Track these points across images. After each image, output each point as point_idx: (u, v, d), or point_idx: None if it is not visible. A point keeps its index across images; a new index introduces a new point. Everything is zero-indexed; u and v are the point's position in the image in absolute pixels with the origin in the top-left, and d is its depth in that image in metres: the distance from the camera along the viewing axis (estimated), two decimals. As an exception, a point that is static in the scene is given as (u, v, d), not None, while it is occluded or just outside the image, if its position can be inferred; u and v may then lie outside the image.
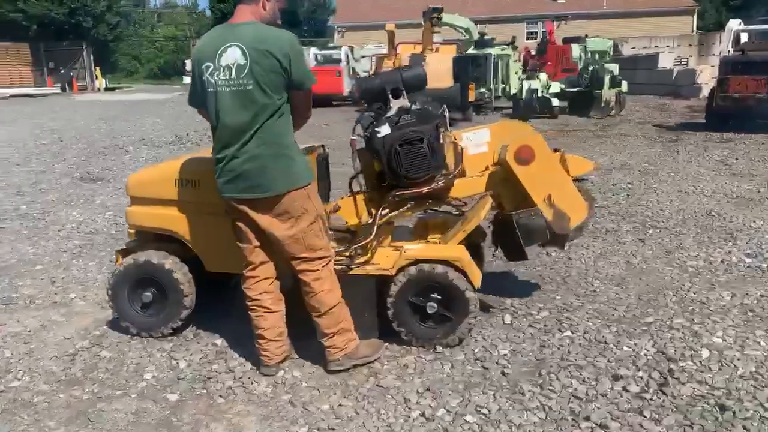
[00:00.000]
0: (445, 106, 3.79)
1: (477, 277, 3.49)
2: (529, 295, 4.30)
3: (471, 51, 17.98)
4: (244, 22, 3.07)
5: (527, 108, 15.69)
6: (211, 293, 4.00)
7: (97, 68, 32.15)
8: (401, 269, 3.50)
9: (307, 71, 3.11)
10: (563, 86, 17.18)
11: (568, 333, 3.69)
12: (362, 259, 3.58)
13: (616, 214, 6.32)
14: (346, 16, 43.00)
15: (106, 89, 32.32)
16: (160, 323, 3.77)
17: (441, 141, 3.58)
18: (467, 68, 14.96)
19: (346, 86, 21.24)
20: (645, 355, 3.40)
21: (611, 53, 17.27)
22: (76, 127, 15.60)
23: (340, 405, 3.02)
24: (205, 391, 3.20)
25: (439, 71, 13.97)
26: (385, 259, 3.60)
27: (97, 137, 13.45)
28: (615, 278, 4.57)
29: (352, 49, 23.42)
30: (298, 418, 2.93)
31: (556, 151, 3.87)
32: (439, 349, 3.52)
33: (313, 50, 23.14)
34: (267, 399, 3.11)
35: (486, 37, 18.96)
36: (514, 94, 16.96)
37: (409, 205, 3.72)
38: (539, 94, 15.87)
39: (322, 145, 4.14)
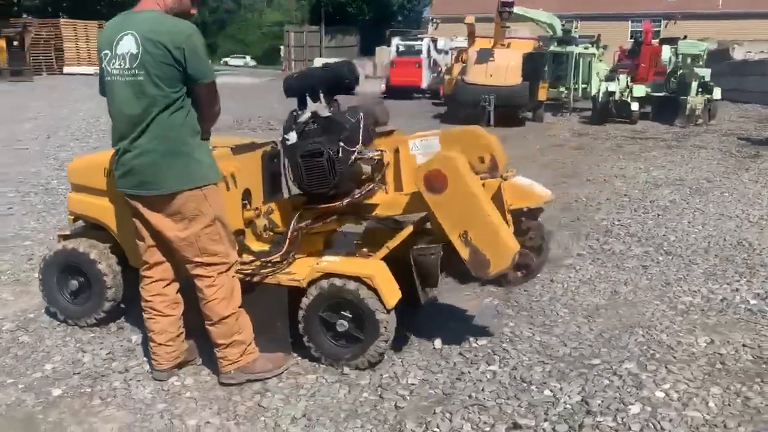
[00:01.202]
0: (361, 114, 3.45)
1: (391, 297, 3.20)
2: (478, 319, 3.95)
3: (553, 48, 17.24)
4: (144, 9, 2.93)
5: (603, 111, 14.86)
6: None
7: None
8: (313, 282, 3.27)
9: (205, 65, 2.92)
10: (649, 90, 16.13)
11: (495, 367, 3.34)
12: (277, 268, 3.39)
13: (633, 235, 5.77)
14: (443, 8, 42.42)
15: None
16: (86, 313, 3.73)
17: (347, 155, 3.30)
18: (538, 66, 14.31)
19: (425, 79, 20.92)
20: (565, 403, 3.01)
21: (704, 57, 15.98)
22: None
23: (207, 423, 2.85)
24: (90, 389, 3.12)
25: (506, 68, 13.44)
26: (300, 269, 3.38)
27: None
28: (588, 309, 4.13)
29: (435, 41, 23.03)
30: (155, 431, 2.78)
31: (502, 175, 3.36)
32: (347, 370, 3.27)
33: (395, 41, 22.91)
34: (141, 406, 2.98)
35: (573, 34, 18.15)
36: (594, 95, 16.11)
37: (330, 218, 3.49)
38: (617, 98, 14.95)
39: (274, 142, 3.96)
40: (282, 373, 3.25)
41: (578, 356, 3.47)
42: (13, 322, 3.82)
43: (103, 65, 2.96)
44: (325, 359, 3.32)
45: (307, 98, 3.42)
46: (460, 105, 14.04)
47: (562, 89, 16.93)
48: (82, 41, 30.05)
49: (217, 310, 3.06)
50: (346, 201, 3.40)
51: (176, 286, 3.18)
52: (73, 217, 3.88)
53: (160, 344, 3.15)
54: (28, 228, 5.76)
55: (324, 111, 3.37)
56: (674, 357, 3.48)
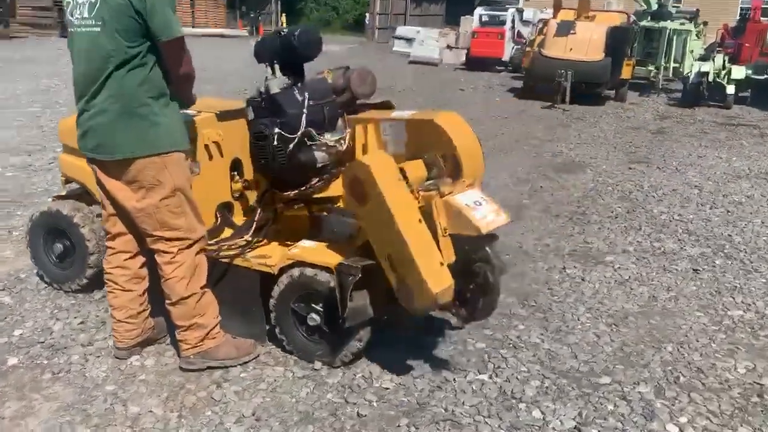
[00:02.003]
0: (307, 94, 2.97)
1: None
2: (489, 317, 3.53)
3: (645, 23, 16.03)
4: None
5: (693, 93, 13.68)
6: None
7: (283, 15, 33.45)
8: (284, 269, 2.95)
9: (171, 20, 2.61)
10: (750, 72, 14.74)
11: (485, 377, 2.94)
12: (251, 249, 3.10)
13: (691, 233, 5.13)
14: (539, -22, 40.66)
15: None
16: (69, 278, 3.59)
17: (284, 143, 2.92)
18: (624, 41, 13.23)
19: (507, 51, 20.04)
20: (553, 429, 2.58)
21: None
22: (225, 70, 16.17)
23: (150, 412, 2.62)
24: (47, 362, 2.95)
25: (587, 42, 12.54)
26: (276, 253, 3.08)
27: (230, 82, 13.79)
28: (614, 316, 3.63)
29: (521, 11, 21.96)
30: (91, 416, 2.57)
31: (440, 189, 2.71)
32: (318, 365, 2.96)
33: (478, 10, 21.97)
34: (90, 386, 2.78)
35: (671, 9, 16.81)
36: (686, 76, 14.89)
37: (296, 205, 3.16)
38: (710, 79, 13.71)
39: None
40: (249, 362, 2.97)
41: (586, 372, 3.02)
42: (2, 282, 3.72)
43: (66, 15, 2.72)
44: (297, 353, 3.02)
45: (267, 68, 3.06)
46: (535, 79, 13.27)
47: (651, 68, 15.72)
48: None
49: (177, 289, 2.81)
50: (293, 193, 3.05)
51: (140, 260, 2.95)
52: (64, 179, 3.73)
53: (119, 320, 2.94)
54: (39, 185, 5.70)
55: (275, 87, 2.97)
56: (702, 383, 2.97)
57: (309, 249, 2.99)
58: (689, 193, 6.36)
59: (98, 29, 2.57)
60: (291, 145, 2.91)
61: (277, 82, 2.99)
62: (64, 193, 3.73)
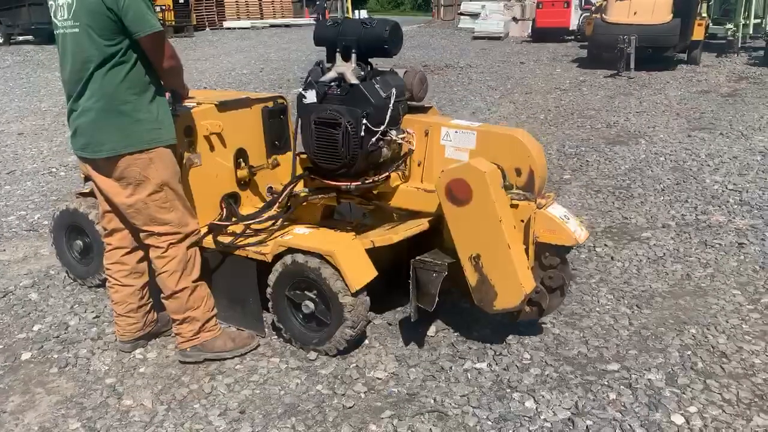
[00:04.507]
0: (394, 90, 2.94)
1: (357, 279, 2.77)
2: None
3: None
4: None
5: (775, 51, 12.73)
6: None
7: (348, 0, 33.50)
8: (278, 256, 2.93)
9: (146, 15, 2.59)
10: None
11: (483, 365, 2.82)
12: (249, 239, 3.09)
13: (744, 204, 4.75)
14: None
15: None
16: (90, 273, 3.71)
17: (367, 135, 2.87)
18: (693, 0, 12.43)
19: (574, 20, 19.26)
20: (544, 420, 2.44)
21: None
22: (289, 58, 16.35)
23: (141, 404, 2.66)
24: (56, 356, 3.05)
25: (653, 4, 11.86)
26: (271, 241, 3.06)
27: (294, 70, 13.90)
28: (639, 297, 3.40)
29: (589, -23, 21.02)
30: (86, 409, 2.64)
31: (537, 201, 2.78)
32: (313, 355, 2.93)
33: (544, -21, 21.20)
34: (91, 379, 2.86)
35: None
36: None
37: (330, 194, 3.13)
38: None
39: (279, 96, 3.62)
40: (245, 354, 2.98)
41: (594, 358, 2.84)
42: (32, 278, 3.89)
43: (52, 17, 2.77)
44: (294, 342, 3.00)
45: (337, 55, 2.99)
46: (598, 48, 12.69)
47: (729, 26, 14.73)
48: (242, -6, 31.21)
49: (168, 284, 2.84)
50: (354, 184, 3.00)
51: (138, 255, 2.99)
52: (84, 177, 3.84)
53: (120, 315, 3.00)
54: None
55: (352, 76, 2.91)
56: (723, 369, 2.74)
57: (300, 236, 2.96)
58: (750, 160, 5.90)
59: (77, 29, 2.60)
60: (372, 138, 2.89)
61: (353, 71, 2.94)
62: (87, 190, 3.85)
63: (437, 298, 2.76)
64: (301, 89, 3.08)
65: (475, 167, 2.65)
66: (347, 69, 2.96)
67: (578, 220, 2.90)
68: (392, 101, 2.94)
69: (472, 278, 2.76)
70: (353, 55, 2.98)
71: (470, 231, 2.71)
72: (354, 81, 2.92)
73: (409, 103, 3.17)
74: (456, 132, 3.04)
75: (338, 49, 3.01)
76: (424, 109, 3.28)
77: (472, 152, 2.97)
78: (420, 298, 2.83)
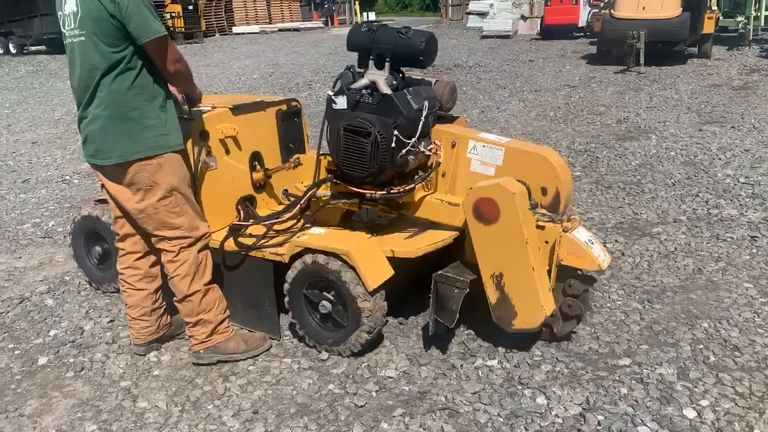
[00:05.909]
0: (426, 102, 2.94)
1: (374, 278, 2.78)
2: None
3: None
4: None
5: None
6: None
7: (357, 2, 33.59)
8: (295, 257, 2.95)
9: (148, 20, 2.62)
10: None
11: (494, 362, 2.83)
12: (265, 240, 3.11)
13: (756, 197, 4.72)
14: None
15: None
16: (107, 279, 3.75)
17: (397, 146, 2.85)
18: (702, -8, 12.34)
19: (583, 16, 19.20)
20: (556, 416, 2.45)
21: None
22: (299, 62, 16.44)
23: (156, 407, 2.69)
24: (72, 360, 3.10)
25: (663, -3, 11.80)
26: (287, 243, 3.08)
27: (304, 73, 13.97)
28: (651, 292, 3.39)
29: (597, -26, 20.94)
30: (102, 412, 2.67)
31: (563, 224, 2.76)
32: (325, 355, 2.95)
33: (551, -24, 21.14)
34: (107, 382, 2.89)
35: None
36: (780, 24, 13.75)
37: (353, 200, 3.13)
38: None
39: (293, 99, 3.65)
40: (258, 355, 3.01)
41: (605, 354, 2.84)
42: (48, 284, 3.95)
43: (60, 27, 2.82)
44: (309, 339, 3.02)
45: (371, 61, 2.99)
46: (606, 43, 12.64)
47: (740, 18, 14.62)
48: (250, 1, 31.38)
49: (180, 287, 2.87)
50: (378, 194, 2.99)
51: (150, 259, 3.02)
52: (101, 184, 3.88)
53: (134, 318, 3.04)
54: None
55: (384, 85, 2.91)
56: (735, 362, 2.73)
57: (317, 236, 2.98)
58: (762, 153, 5.86)
59: (83, 38, 2.64)
60: (402, 150, 2.88)
61: (386, 80, 2.93)
62: (105, 197, 3.89)
63: (458, 315, 2.76)
64: (330, 92, 3.05)
65: (505, 188, 2.64)
66: (380, 78, 2.95)
67: (601, 244, 2.87)
68: (424, 113, 2.93)
69: (492, 296, 2.77)
70: (387, 64, 2.97)
71: (495, 250, 2.71)
72: (386, 91, 2.91)
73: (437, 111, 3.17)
74: (483, 146, 3.03)
75: (372, 57, 3.01)
76: (451, 119, 3.28)
77: (498, 168, 2.97)
78: (440, 313, 2.83)
